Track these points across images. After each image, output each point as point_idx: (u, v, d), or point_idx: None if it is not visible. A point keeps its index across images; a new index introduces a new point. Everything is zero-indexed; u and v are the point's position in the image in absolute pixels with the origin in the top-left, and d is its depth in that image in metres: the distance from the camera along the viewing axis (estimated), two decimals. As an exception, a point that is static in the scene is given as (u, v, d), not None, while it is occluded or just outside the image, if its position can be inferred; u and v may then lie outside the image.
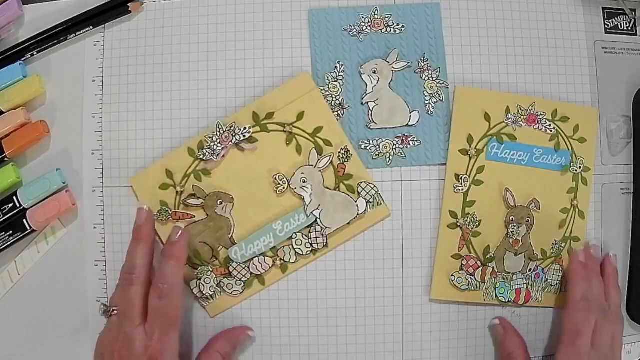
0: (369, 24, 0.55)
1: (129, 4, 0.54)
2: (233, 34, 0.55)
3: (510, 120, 0.54)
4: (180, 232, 0.50)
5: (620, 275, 0.55)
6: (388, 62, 0.54)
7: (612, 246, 0.55)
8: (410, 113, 0.54)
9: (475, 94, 0.54)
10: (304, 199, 0.52)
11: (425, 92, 0.54)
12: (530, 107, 0.54)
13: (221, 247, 0.53)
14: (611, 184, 0.56)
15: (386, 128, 0.54)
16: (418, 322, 0.53)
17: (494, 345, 0.53)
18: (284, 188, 0.52)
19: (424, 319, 0.53)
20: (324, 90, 0.54)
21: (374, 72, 0.54)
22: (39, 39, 0.54)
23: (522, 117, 0.54)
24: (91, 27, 0.55)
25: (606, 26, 0.57)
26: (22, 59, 0.55)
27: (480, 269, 0.53)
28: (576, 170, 0.54)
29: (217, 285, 0.52)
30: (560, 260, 0.54)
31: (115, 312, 0.48)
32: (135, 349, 0.46)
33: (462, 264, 0.53)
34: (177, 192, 0.53)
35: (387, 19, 0.55)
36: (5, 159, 0.53)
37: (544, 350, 0.54)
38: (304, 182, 0.52)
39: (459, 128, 0.54)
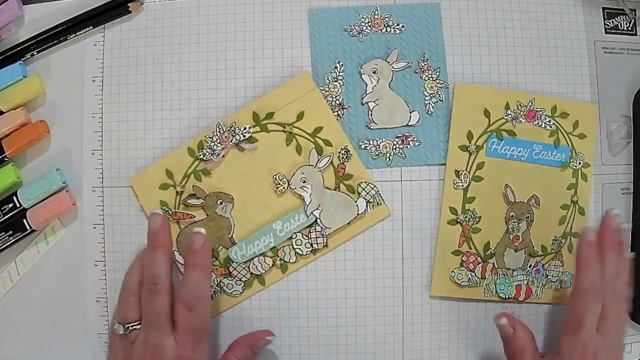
0: (369, 24, 0.55)
1: (129, 4, 0.54)
2: (233, 34, 0.55)
3: (510, 116, 0.54)
4: (203, 239, 0.47)
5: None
6: (388, 62, 0.54)
7: (612, 246, 0.55)
8: (410, 113, 0.54)
9: (474, 90, 0.54)
10: (304, 199, 0.52)
11: (425, 92, 0.54)
12: (530, 103, 0.54)
13: (221, 247, 0.52)
14: (611, 184, 0.55)
15: (386, 128, 0.54)
16: (418, 321, 0.53)
17: (501, 339, 0.51)
18: (284, 188, 0.52)
19: (424, 319, 0.53)
20: (324, 90, 0.54)
21: (374, 72, 0.54)
22: (39, 39, 0.54)
23: (522, 113, 0.54)
24: (91, 27, 0.55)
25: (606, 26, 0.57)
26: (22, 59, 0.55)
27: (481, 265, 0.53)
28: (576, 166, 0.54)
29: (217, 285, 0.52)
30: (560, 256, 0.54)
31: (136, 327, 0.47)
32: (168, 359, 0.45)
33: (462, 260, 0.53)
34: (177, 192, 0.53)
35: (387, 19, 0.55)
36: (5, 159, 0.53)
37: (544, 348, 0.53)
38: (304, 182, 0.52)
39: (458, 124, 0.54)
